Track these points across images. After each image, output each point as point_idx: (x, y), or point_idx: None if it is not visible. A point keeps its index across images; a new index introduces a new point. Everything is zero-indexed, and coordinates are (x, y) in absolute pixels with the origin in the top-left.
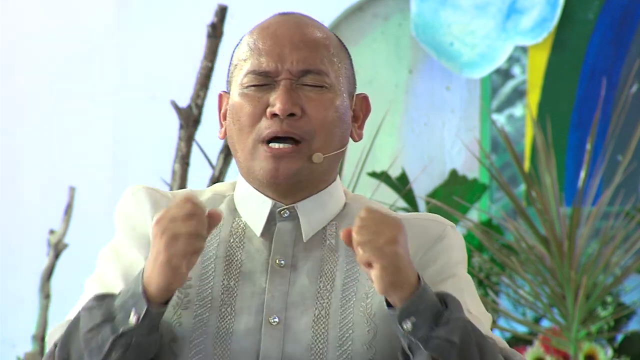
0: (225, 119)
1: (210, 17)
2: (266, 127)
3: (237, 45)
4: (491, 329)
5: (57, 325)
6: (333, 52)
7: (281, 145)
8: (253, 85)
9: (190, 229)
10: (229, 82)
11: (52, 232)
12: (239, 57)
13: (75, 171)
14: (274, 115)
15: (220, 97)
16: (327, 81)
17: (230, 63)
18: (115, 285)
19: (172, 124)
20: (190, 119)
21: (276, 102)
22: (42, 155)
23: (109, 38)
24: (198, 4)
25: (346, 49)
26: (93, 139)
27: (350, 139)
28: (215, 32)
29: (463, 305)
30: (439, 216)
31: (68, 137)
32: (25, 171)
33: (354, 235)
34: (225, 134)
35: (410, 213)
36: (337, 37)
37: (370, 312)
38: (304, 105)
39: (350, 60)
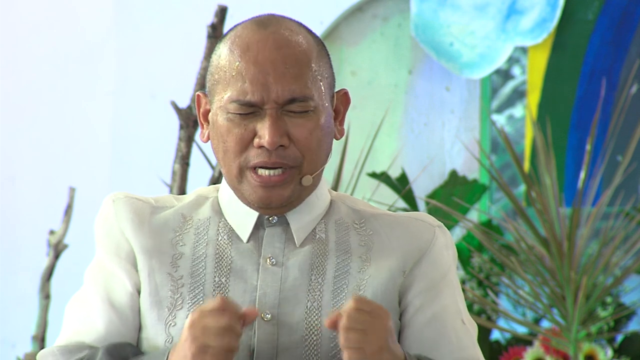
0: (205, 119)
1: (210, 18)
2: (254, 156)
3: (217, 55)
4: (491, 330)
5: (47, 350)
6: (314, 68)
7: (271, 173)
8: (238, 114)
9: (222, 344)
10: (209, 91)
11: (52, 232)
12: (219, 72)
13: (75, 171)
14: (262, 146)
15: (199, 97)
16: (312, 104)
17: (210, 72)
18: (94, 309)
19: (172, 124)
20: (190, 119)
21: (264, 134)
22: (42, 155)
23: (109, 38)
24: (198, 4)
25: (325, 49)
26: (93, 139)
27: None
28: (215, 32)
29: (458, 315)
30: (427, 216)
31: (68, 137)
32: (25, 171)
33: (342, 339)
34: (208, 138)
35: (398, 213)
36: (314, 38)
37: None
38: (290, 132)
39: (329, 58)
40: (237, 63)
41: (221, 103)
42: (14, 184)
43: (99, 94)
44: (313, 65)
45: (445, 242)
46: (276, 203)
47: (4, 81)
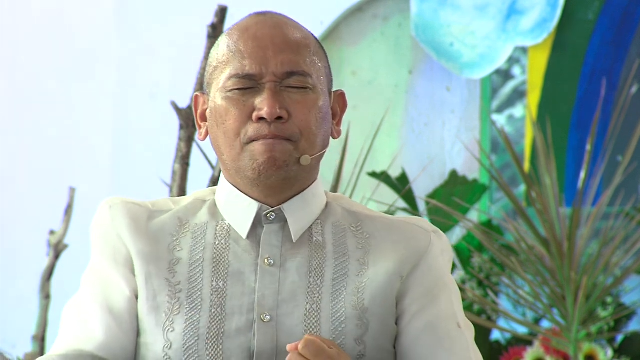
0: (203, 120)
1: (210, 18)
2: (253, 130)
3: (216, 46)
4: (491, 330)
5: (47, 356)
6: (313, 52)
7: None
8: (237, 89)
9: None
10: (208, 84)
11: (52, 232)
12: (218, 59)
13: (75, 171)
14: (261, 119)
15: (197, 98)
16: (310, 82)
17: (208, 64)
18: (93, 316)
19: (172, 124)
20: (190, 119)
21: (263, 105)
22: (42, 155)
23: (109, 38)
24: (198, 4)
25: (323, 47)
26: (93, 139)
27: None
28: (216, 32)
29: (453, 319)
30: (422, 220)
31: (68, 137)
32: (25, 171)
33: None
34: (206, 135)
35: (394, 216)
36: (313, 35)
37: (363, 307)
38: (289, 108)
39: (327, 57)
40: (236, 43)
41: (219, 85)
42: (14, 184)
43: (99, 94)
44: (311, 49)
45: (441, 247)
46: (279, 160)
47: (4, 81)
